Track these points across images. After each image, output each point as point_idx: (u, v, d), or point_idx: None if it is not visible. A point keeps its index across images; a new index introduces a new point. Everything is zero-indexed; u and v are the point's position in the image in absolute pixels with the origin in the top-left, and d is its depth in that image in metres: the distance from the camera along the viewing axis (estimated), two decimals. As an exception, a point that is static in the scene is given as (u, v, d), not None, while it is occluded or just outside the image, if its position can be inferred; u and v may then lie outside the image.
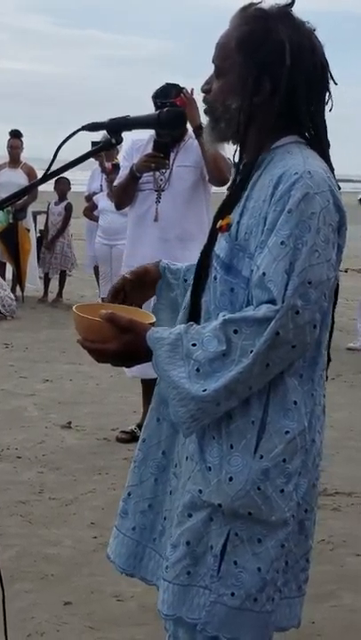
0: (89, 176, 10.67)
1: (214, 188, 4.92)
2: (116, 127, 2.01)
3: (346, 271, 13.27)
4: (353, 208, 7.54)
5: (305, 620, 3.15)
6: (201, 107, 2.01)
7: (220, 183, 4.66)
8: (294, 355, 1.80)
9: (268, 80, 1.85)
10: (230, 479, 1.82)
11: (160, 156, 4.71)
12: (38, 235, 11.11)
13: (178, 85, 4.87)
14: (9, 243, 10.10)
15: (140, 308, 2.14)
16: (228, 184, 2.01)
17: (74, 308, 1.93)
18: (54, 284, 10.64)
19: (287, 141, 1.88)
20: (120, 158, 6.34)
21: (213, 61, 1.93)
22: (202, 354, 1.76)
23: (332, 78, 1.92)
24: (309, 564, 2.01)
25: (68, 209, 10.75)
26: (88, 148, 2.12)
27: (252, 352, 1.74)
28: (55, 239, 10.66)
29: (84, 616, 3.23)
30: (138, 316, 1.94)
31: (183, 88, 4.80)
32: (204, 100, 1.96)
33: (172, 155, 4.83)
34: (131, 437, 5.13)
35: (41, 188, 2.39)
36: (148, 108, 4.41)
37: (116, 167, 8.14)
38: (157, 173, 4.83)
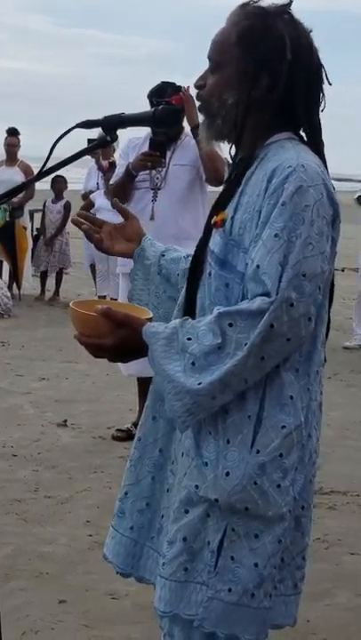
0: (85, 174, 10.67)
1: (211, 187, 4.92)
2: (111, 124, 2.01)
3: (343, 270, 13.29)
4: (350, 207, 7.56)
5: (300, 618, 3.17)
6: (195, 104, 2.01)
7: (218, 183, 4.66)
8: (289, 348, 1.80)
9: (266, 75, 1.86)
10: (227, 474, 1.82)
11: (156, 154, 4.70)
12: (35, 233, 11.10)
13: (174, 84, 4.87)
14: (6, 241, 10.09)
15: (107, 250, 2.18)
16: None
17: (71, 303, 1.93)
18: (51, 283, 10.64)
19: (280, 137, 1.89)
20: (117, 157, 6.34)
21: (210, 56, 1.93)
22: (197, 347, 1.77)
23: (327, 78, 1.92)
24: (306, 562, 2.00)
25: (68, 208, 10.75)
26: (84, 145, 2.12)
27: (246, 345, 1.74)
28: (54, 237, 10.66)
29: (79, 614, 3.23)
30: (134, 312, 1.94)
31: (180, 86, 4.79)
32: (199, 96, 1.95)
33: (169, 153, 4.83)
34: (127, 436, 5.13)
35: (37, 186, 2.39)
36: (147, 108, 4.41)
37: (113, 165, 8.15)
38: (154, 172, 4.83)
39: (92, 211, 9.69)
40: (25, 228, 10.36)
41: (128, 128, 2.09)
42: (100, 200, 9.30)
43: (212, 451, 1.84)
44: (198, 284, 1.93)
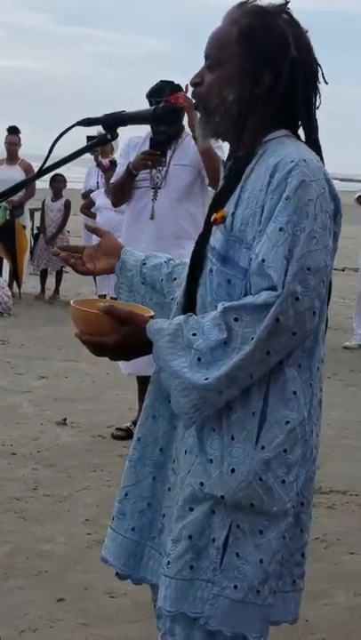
0: (85, 173, 10.68)
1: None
2: (112, 122, 2.01)
3: (343, 270, 13.31)
4: (351, 207, 7.57)
5: (299, 617, 3.18)
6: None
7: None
8: (294, 342, 1.80)
9: (268, 72, 1.86)
10: (233, 471, 1.82)
11: (157, 153, 4.70)
12: (36, 231, 11.10)
13: (172, 82, 4.86)
14: (6, 239, 10.09)
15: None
16: (221, 176, 2.01)
17: (72, 301, 1.93)
18: (51, 281, 10.64)
19: (279, 135, 1.90)
20: (117, 155, 6.33)
21: (208, 54, 1.92)
22: (203, 343, 1.76)
23: (324, 77, 1.94)
24: (305, 559, 2.00)
25: (68, 206, 10.75)
26: (84, 143, 2.12)
27: (252, 339, 1.74)
28: (56, 236, 10.65)
29: (78, 613, 3.23)
30: (136, 310, 1.94)
31: (179, 85, 4.78)
32: (196, 94, 1.94)
33: (169, 152, 4.83)
34: (126, 435, 5.13)
35: (37, 184, 2.37)
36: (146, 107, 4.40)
37: (114, 164, 8.14)
38: (154, 171, 4.83)
39: (92, 209, 9.70)
40: (25, 227, 10.36)
41: (128, 127, 2.09)
42: (101, 199, 9.29)
43: (217, 447, 1.84)
44: (198, 281, 1.93)
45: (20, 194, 9.70)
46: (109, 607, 3.28)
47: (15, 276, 10.37)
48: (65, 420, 5.57)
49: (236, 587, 1.85)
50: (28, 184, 2.19)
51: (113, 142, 1.91)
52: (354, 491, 4.61)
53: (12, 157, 10.24)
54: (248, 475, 1.81)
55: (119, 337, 1.85)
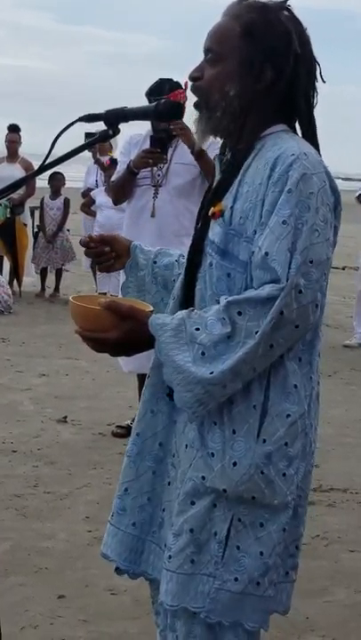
0: (85, 172, 10.67)
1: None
2: (114, 118, 2.00)
3: (343, 269, 13.31)
4: (351, 206, 7.56)
5: (299, 614, 3.19)
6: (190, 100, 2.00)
7: None
8: (297, 335, 1.81)
9: (270, 68, 1.87)
10: (234, 464, 1.83)
11: (157, 151, 4.70)
12: (36, 230, 11.09)
13: (171, 80, 4.84)
14: (6, 238, 10.09)
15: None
16: (217, 171, 2.01)
17: (71, 297, 1.92)
18: (51, 280, 10.64)
19: (277, 129, 1.91)
20: (117, 153, 6.33)
21: (208, 48, 1.92)
22: (206, 337, 1.77)
23: (321, 76, 1.94)
24: (299, 551, 2.01)
25: (67, 204, 10.74)
26: (83, 141, 2.11)
27: (257, 332, 1.74)
28: (56, 234, 10.65)
29: (78, 609, 3.23)
30: (136, 305, 1.93)
31: (178, 82, 4.77)
32: (195, 88, 1.94)
33: (170, 151, 4.82)
34: (126, 432, 5.13)
35: (36, 183, 2.36)
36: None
37: (114, 162, 8.14)
38: (155, 169, 4.83)
39: (92, 208, 9.70)
40: (25, 225, 10.36)
41: (129, 125, 2.09)
42: (101, 197, 9.29)
43: (218, 441, 1.84)
44: (197, 275, 1.93)
45: (21, 192, 9.70)
46: (110, 604, 3.28)
47: (15, 274, 10.37)
48: (65, 417, 5.57)
49: (236, 579, 1.86)
50: (27, 181, 2.20)
51: (112, 140, 1.91)
52: (354, 489, 4.61)
53: (13, 155, 10.23)
54: (250, 468, 1.82)
55: (121, 333, 1.85)
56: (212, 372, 1.76)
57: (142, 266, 2.19)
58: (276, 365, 1.83)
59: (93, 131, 2.12)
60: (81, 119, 2.01)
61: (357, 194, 8.74)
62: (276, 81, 1.88)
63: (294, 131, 1.94)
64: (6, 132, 10.31)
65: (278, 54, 1.86)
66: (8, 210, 9.90)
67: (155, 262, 2.18)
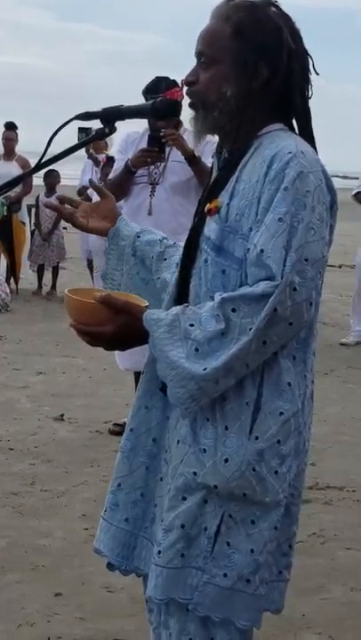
0: (80, 169, 10.66)
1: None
2: (110, 116, 2.01)
3: (340, 267, 13.31)
4: (348, 204, 7.56)
5: (296, 612, 3.20)
6: (186, 102, 2.00)
7: None
8: (291, 332, 1.81)
9: (265, 65, 1.87)
10: (226, 460, 1.83)
11: (155, 150, 4.70)
12: (33, 228, 11.09)
13: (168, 78, 4.84)
14: (3, 235, 10.08)
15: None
16: (214, 168, 2.01)
17: (66, 291, 1.92)
18: (47, 277, 10.63)
19: (274, 128, 1.91)
20: (114, 151, 6.32)
21: (201, 52, 1.92)
22: (200, 333, 1.77)
23: (314, 68, 1.95)
24: (292, 550, 2.01)
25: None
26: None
27: (251, 329, 1.75)
28: (52, 232, 10.64)
29: (75, 607, 3.23)
30: (131, 300, 1.94)
31: (175, 80, 4.77)
32: (191, 92, 1.94)
33: (167, 149, 4.82)
34: (123, 430, 5.10)
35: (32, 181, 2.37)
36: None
37: (111, 160, 8.13)
38: (152, 167, 4.83)
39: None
40: (23, 223, 10.35)
41: (126, 123, 2.09)
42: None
43: (210, 437, 1.85)
44: (191, 272, 1.93)
45: (17, 190, 9.70)
46: (106, 601, 3.28)
47: (12, 271, 10.36)
48: (62, 415, 5.57)
49: (225, 575, 1.86)
50: (24, 179, 2.20)
51: (107, 138, 1.91)
52: (351, 487, 4.61)
53: (9, 153, 10.22)
54: (241, 465, 1.82)
55: (115, 327, 1.85)
56: (205, 369, 1.76)
57: (124, 237, 2.19)
58: (270, 363, 1.83)
59: (87, 126, 2.12)
60: (77, 117, 2.01)
61: (354, 192, 8.74)
62: (271, 78, 1.88)
63: (292, 128, 1.94)
64: (3, 129, 10.30)
65: (271, 51, 1.87)
66: (5, 208, 9.90)
67: (138, 236, 2.18)
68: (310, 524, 4.00)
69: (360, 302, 8.49)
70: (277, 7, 1.91)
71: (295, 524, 2.00)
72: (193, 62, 1.96)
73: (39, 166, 2.08)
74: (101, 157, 9.62)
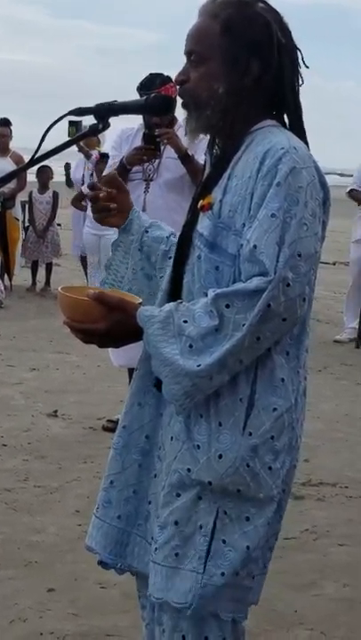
0: (73, 166, 10.64)
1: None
2: (104, 112, 2.00)
3: (334, 264, 13.33)
4: (343, 202, 7.56)
5: (288, 608, 3.21)
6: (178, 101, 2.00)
7: None
8: (285, 328, 1.81)
9: (256, 61, 1.87)
10: (220, 457, 1.83)
11: (151, 148, 4.70)
12: (27, 224, 11.07)
13: (162, 74, 4.84)
14: (-3, 232, 10.06)
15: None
16: (207, 164, 2.01)
17: (59, 288, 1.92)
18: (41, 274, 10.62)
19: (266, 124, 1.91)
20: (108, 147, 6.31)
21: (191, 50, 1.92)
22: (194, 330, 1.77)
23: (303, 61, 1.95)
24: (276, 542, 2.01)
25: (56, 197, 10.72)
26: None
27: (244, 325, 1.75)
28: (47, 229, 10.62)
29: (68, 603, 3.23)
30: (125, 297, 1.94)
31: (169, 76, 4.77)
32: (183, 91, 1.94)
33: (162, 146, 4.82)
34: (117, 426, 5.12)
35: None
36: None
37: (104, 156, 8.13)
38: (146, 163, 4.83)
39: (83, 202, 9.68)
40: (17, 220, 10.33)
41: (120, 119, 2.09)
42: (92, 191, 9.26)
43: (204, 434, 1.85)
44: (184, 268, 1.94)
45: (11, 186, 9.67)
46: (99, 597, 3.29)
47: (6, 268, 10.34)
48: (56, 411, 5.57)
49: (223, 574, 1.86)
50: (18, 174, 2.20)
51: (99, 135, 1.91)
52: (343, 483, 4.62)
53: (4, 149, 10.19)
54: (235, 461, 1.83)
55: (109, 324, 1.85)
56: (199, 365, 1.76)
57: (134, 231, 2.18)
58: (263, 359, 1.83)
59: (77, 119, 2.11)
60: (71, 113, 2.01)
61: (348, 189, 8.75)
62: (262, 74, 1.88)
63: (283, 124, 1.94)
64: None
65: (262, 47, 1.87)
66: (-1, 204, 9.87)
67: (146, 231, 2.17)
68: (303, 521, 4.01)
69: (354, 299, 8.50)
70: (265, 2, 1.91)
71: (281, 519, 2.00)
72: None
73: (33, 162, 2.08)
74: (94, 154, 9.61)
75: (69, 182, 10.56)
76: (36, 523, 3.92)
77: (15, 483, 4.38)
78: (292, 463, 1.94)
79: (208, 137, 2.01)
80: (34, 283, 10.60)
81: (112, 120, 2.04)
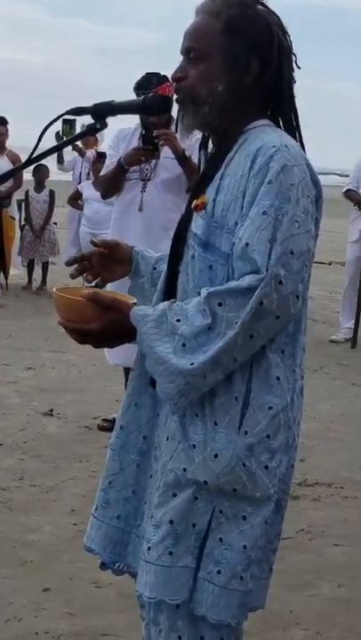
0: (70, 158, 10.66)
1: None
2: (101, 112, 2.01)
3: (330, 264, 13.33)
4: (341, 202, 7.55)
5: (284, 608, 3.21)
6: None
7: None
8: (278, 326, 1.82)
9: (256, 60, 1.89)
10: (216, 456, 1.83)
11: (149, 148, 4.71)
12: (23, 223, 11.06)
13: (159, 74, 4.85)
14: (-7, 230, 10.04)
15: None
16: (201, 163, 2.02)
17: (54, 289, 1.93)
18: (38, 273, 10.61)
19: (260, 124, 1.92)
20: (105, 147, 6.32)
21: (190, 47, 1.92)
22: (187, 329, 1.77)
23: (296, 63, 1.96)
24: (278, 543, 2.01)
25: (52, 196, 10.71)
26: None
27: (237, 323, 1.75)
28: (44, 228, 10.61)
29: (63, 602, 3.23)
30: (119, 297, 1.94)
31: (165, 76, 4.78)
32: (180, 88, 1.94)
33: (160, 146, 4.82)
34: (112, 426, 5.04)
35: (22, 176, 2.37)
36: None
37: (101, 156, 8.12)
38: (144, 163, 4.83)
39: (79, 201, 9.68)
40: (13, 218, 10.31)
41: (117, 119, 2.09)
42: (89, 191, 9.27)
43: (200, 433, 1.85)
44: (179, 268, 1.94)
45: (8, 184, 9.66)
46: (95, 597, 3.29)
47: (2, 267, 10.32)
48: (51, 410, 5.57)
49: (219, 572, 1.86)
50: (15, 174, 2.19)
51: (98, 134, 1.92)
52: (339, 483, 4.63)
53: (0, 148, 10.19)
54: (231, 460, 1.83)
55: (103, 324, 1.86)
56: (192, 363, 1.76)
57: (143, 272, 2.18)
58: (258, 357, 1.83)
59: (72, 118, 2.11)
60: (68, 112, 2.01)
61: (344, 189, 8.75)
62: (262, 73, 1.89)
63: (277, 124, 1.95)
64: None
65: (263, 47, 1.88)
66: (-5, 203, 9.86)
67: (154, 268, 2.17)
68: (299, 521, 4.01)
69: (349, 300, 8.50)
70: (264, 4, 1.93)
71: (282, 520, 2.00)
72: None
73: (30, 161, 2.08)
74: (92, 153, 9.61)
75: (61, 159, 10.62)
76: (32, 522, 3.92)
77: (10, 482, 4.38)
78: (290, 462, 1.94)
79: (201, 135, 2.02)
80: (30, 281, 10.59)
81: (109, 120, 2.04)
